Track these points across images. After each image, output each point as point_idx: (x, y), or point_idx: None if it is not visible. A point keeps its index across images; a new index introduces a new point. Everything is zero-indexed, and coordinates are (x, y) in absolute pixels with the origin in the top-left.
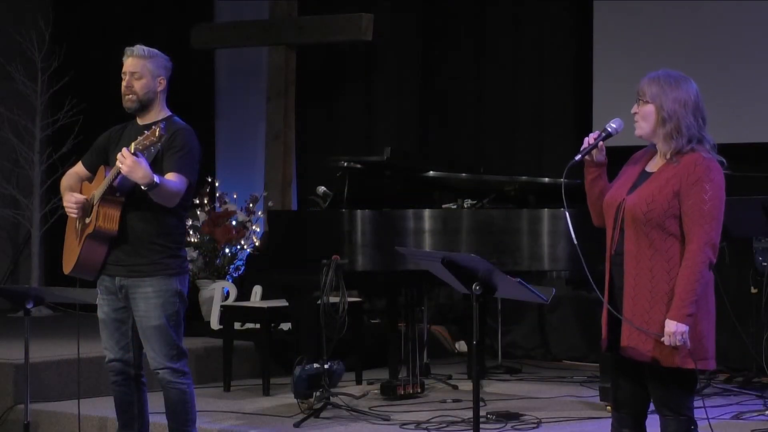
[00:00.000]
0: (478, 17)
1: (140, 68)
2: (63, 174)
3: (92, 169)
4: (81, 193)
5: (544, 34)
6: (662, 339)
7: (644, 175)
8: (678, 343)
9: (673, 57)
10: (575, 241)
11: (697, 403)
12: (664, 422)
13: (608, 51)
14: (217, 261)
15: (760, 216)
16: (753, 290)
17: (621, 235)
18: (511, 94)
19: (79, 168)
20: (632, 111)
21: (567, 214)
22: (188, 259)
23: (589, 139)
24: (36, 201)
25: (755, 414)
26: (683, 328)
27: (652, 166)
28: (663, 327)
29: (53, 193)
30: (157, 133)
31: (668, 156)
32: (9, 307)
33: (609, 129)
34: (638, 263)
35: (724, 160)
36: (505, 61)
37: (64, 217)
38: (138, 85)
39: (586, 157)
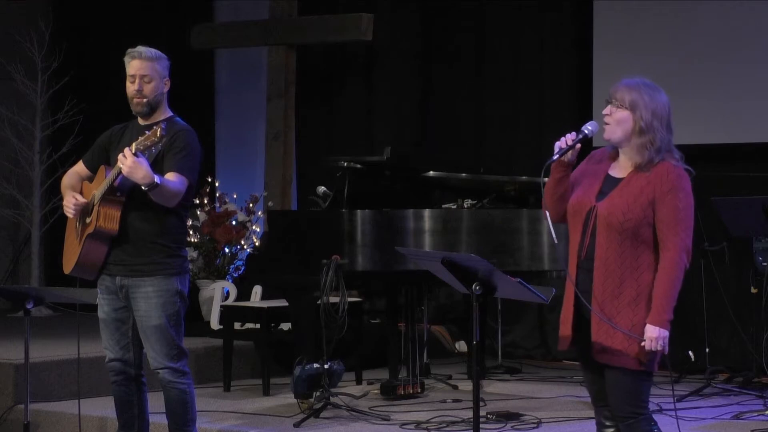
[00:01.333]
0: (478, 17)
1: (150, 71)
2: (63, 174)
3: (93, 169)
4: (81, 192)
5: (544, 34)
6: (642, 343)
7: (611, 180)
8: (658, 348)
9: (673, 57)
10: (555, 240)
11: (696, 402)
12: (630, 425)
13: (608, 51)
14: (217, 261)
15: (760, 216)
16: (753, 290)
17: (591, 241)
18: (511, 94)
19: (79, 167)
20: (604, 113)
21: (547, 213)
22: (188, 259)
23: (566, 140)
24: (36, 201)
25: (755, 414)
26: (665, 333)
27: (618, 170)
28: (630, 331)
29: (53, 193)
30: (158, 133)
31: (638, 164)
32: (9, 307)
33: (585, 131)
34: (607, 269)
35: (692, 169)
36: (505, 61)
37: (64, 217)
38: (148, 89)
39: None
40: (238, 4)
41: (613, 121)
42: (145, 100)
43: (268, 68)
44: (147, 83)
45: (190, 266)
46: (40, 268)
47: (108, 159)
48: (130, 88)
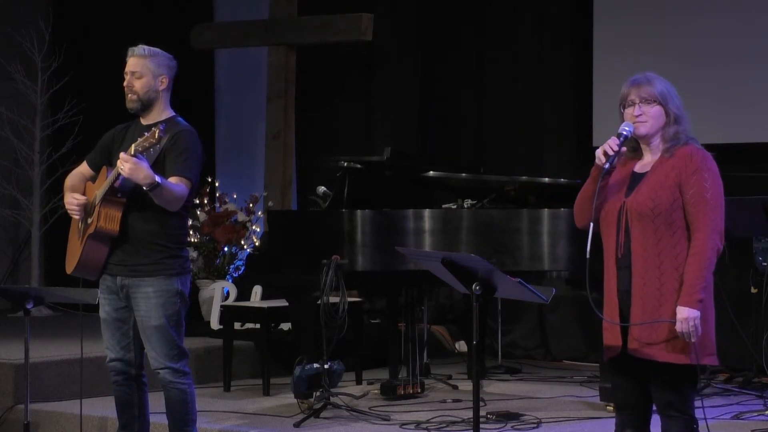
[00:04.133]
0: (478, 17)
1: (141, 67)
2: (64, 174)
3: (96, 169)
4: (84, 192)
5: (544, 34)
6: (675, 326)
7: (637, 177)
8: (690, 329)
9: (673, 57)
10: (588, 255)
11: (697, 403)
12: (669, 422)
13: (608, 51)
14: (217, 261)
15: (760, 216)
16: (753, 290)
17: (627, 238)
18: (511, 94)
19: (83, 167)
20: (635, 113)
21: (591, 225)
22: (189, 259)
23: (611, 146)
24: (36, 201)
25: (755, 414)
26: (695, 313)
27: (642, 166)
28: (673, 324)
29: (53, 193)
30: (156, 135)
31: (663, 152)
32: (9, 307)
33: (625, 132)
34: (646, 261)
35: (714, 154)
36: (504, 60)
37: (64, 217)
38: (138, 85)
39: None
40: (238, 4)
41: (650, 117)
42: (135, 96)
43: (268, 68)
44: (137, 79)
45: (191, 266)
46: (40, 268)
47: (110, 159)
48: (124, 85)
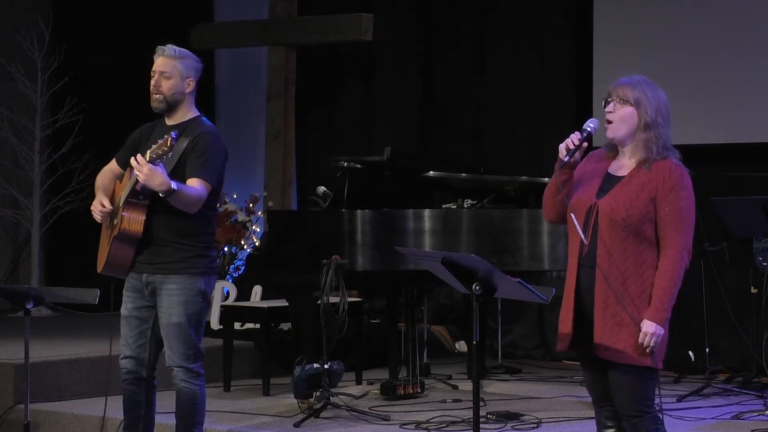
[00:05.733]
0: (478, 17)
1: (170, 68)
2: (64, 174)
3: (125, 167)
4: (114, 189)
5: (544, 33)
6: (636, 332)
7: (611, 179)
8: (652, 344)
9: (673, 56)
10: (585, 241)
11: (696, 402)
12: (635, 424)
13: (608, 51)
14: (217, 261)
15: (760, 216)
16: (753, 290)
17: (593, 238)
18: (511, 94)
19: (113, 165)
20: (607, 110)
21: (573, 216)
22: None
23: (572, 140)
24: (36, 201)
25: (755, 414)
26: (660, 330)
27: (618, 169)
28: (635, 329)
29: (53, 193)
30: (168, 143)
31: (640, 162)
32: (9, 307)
33: (588, 128)
34: (611, 266)
35: (690, 171)
36: (505, 61)
37: (64, 217)
38: (166, 86)
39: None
40: (238, 4)
41: (618, 117)
42: (161, 96)
43: (268, 68)
44: (165, 79)
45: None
46: (40, 268)
47: None
48: (151, 83)
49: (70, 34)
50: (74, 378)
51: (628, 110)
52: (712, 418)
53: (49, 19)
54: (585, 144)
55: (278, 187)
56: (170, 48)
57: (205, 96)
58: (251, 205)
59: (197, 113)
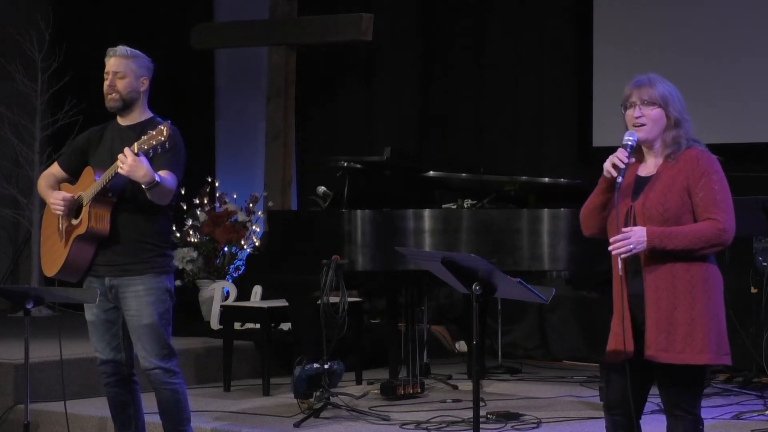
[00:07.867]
0: (478, 17)
1: (123, 68)
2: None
3: (70, 171)
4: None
5: (544, 33)
6: (689, 328)
7: (642, 180)
8: (628, 246)
9: (673, 56)
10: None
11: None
12: (675, 422)
13: (608, 50)
14: (217, 261)
15: (760, 216)
16: (753, 290)
17: None
18: (511, 94)
19: (54, 169)
20: (635, 115)
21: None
22: (188, 259)
23: (619, 158)
24: (36, 201)
25: (755, 414)
26: (644, 244)
27: (646, 170)
28: (689, 325)
29: None
30: (165, 132)
31: (667, 156)
32: (9, 307)
33: (630, 142)
34: (657, 266)
35: (719, 157)
36: (505, 60)
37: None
38: (121, 85)
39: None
40: (238, 4)
41: (650, 120)
42: (117, 95)
43: (268, 68)
44: (120, 79)
45: (191, 266)
46: (40, 268)
47: (86, 161)
48: (105, 84)
49: (70, 34)
50: (74, 378)
51: (657, 111)
52: (712, 418)
53: (49, 19)
54: (633, 159)
55: (278, 187)
56: (122, 48)
57: (205, 96)
58: (251, 205)
59: (151, 114)
